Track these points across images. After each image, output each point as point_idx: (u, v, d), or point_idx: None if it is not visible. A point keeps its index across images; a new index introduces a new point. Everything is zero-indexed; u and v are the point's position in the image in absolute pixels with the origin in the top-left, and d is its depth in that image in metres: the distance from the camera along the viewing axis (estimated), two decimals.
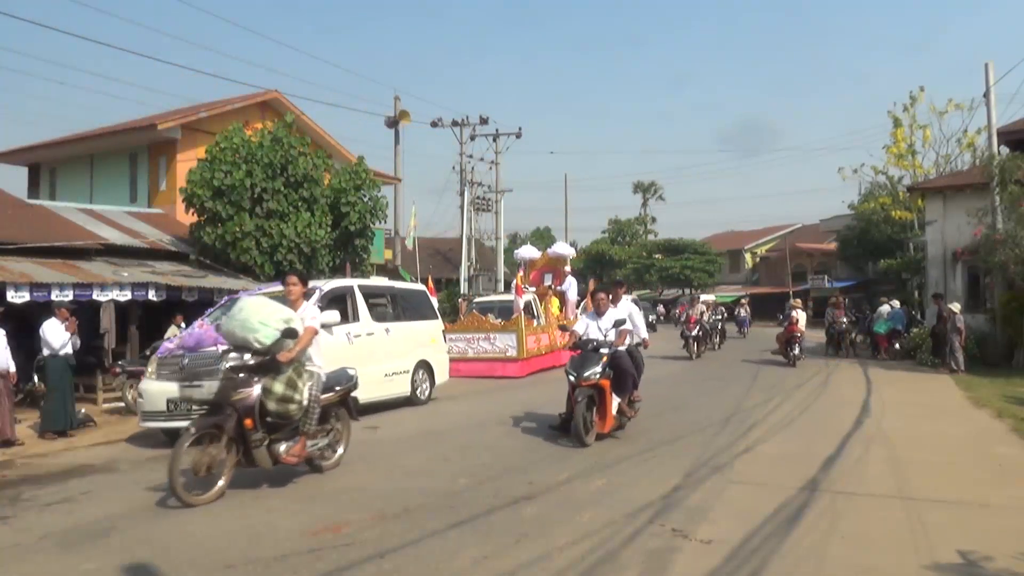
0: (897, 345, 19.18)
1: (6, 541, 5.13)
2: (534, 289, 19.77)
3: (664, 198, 68.89)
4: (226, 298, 11.09)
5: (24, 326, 11.31)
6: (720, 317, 25.53)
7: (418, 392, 11.97)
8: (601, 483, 6.41)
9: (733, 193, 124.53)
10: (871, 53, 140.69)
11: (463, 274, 31.41)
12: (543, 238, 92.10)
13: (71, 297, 11.28)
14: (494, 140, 34.02)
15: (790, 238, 53.99)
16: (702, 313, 21.74)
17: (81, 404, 11.65)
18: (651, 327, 32.24)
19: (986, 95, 17.99)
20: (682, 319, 22.78)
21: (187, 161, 18.64)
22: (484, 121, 32.14)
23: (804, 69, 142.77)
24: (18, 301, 10.73)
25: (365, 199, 17.76)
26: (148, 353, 12.73)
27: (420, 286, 13.61)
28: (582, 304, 25.67)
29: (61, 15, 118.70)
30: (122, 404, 11.96)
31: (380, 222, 19.31)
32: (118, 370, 12.13)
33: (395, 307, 12.10)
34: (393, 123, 27.34)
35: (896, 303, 20.63)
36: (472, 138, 32.41)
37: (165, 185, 20.26)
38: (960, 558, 4.42)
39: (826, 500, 5.76)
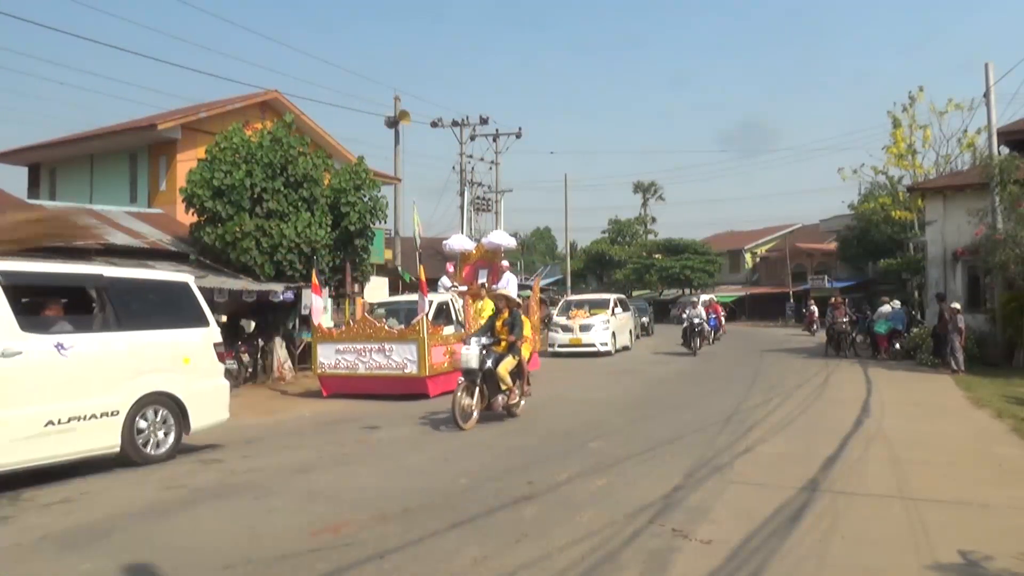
0: (897, 345, 19.18)
1: (6, 541, 5.13)
2: (465, 288, 16.15)
3: (664, 198, 69.12)
4: None
5: None
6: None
7: (146, 444, 7.62)
8: (601, 483, 6.41)
9: (733, 193, 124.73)
10: (871, 53, 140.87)
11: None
12: (543, 238, 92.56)
13: None
14: (494, 140, 34.06)
15: (790, 238, 54.02)
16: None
17: None
18: (646, 329, 32.12)
19: (986, 95, 17.99)
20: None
21: (187, 161, 18.64)
22: (484, 121, 32.16)
23: (804, 69, 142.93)
24: None
25: (365, 199, 17.76)
26: None
27: (178, 276, 9.15)
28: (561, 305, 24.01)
29: (61, 15, 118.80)
30: None
31: (380, 222, 19.30)
32: None
33: (103, 308, 7.62)
34: (393, 123, 27.34)
35: (896, 303, 20.63)
36: (472, 138, 32.43)
37: (165, 185, 20.26)
38: (961, 558, 4.41)
39: (826, 500, 5.76)
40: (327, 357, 13.26)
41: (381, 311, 15.46)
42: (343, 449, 8.44)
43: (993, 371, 15.51)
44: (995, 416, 9.98)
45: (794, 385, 13.71)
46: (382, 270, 25.04)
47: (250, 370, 15.52)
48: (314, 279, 13.56)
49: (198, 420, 8.24)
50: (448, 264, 17.36)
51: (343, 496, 6.16)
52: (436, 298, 15.20)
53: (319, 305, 13.56)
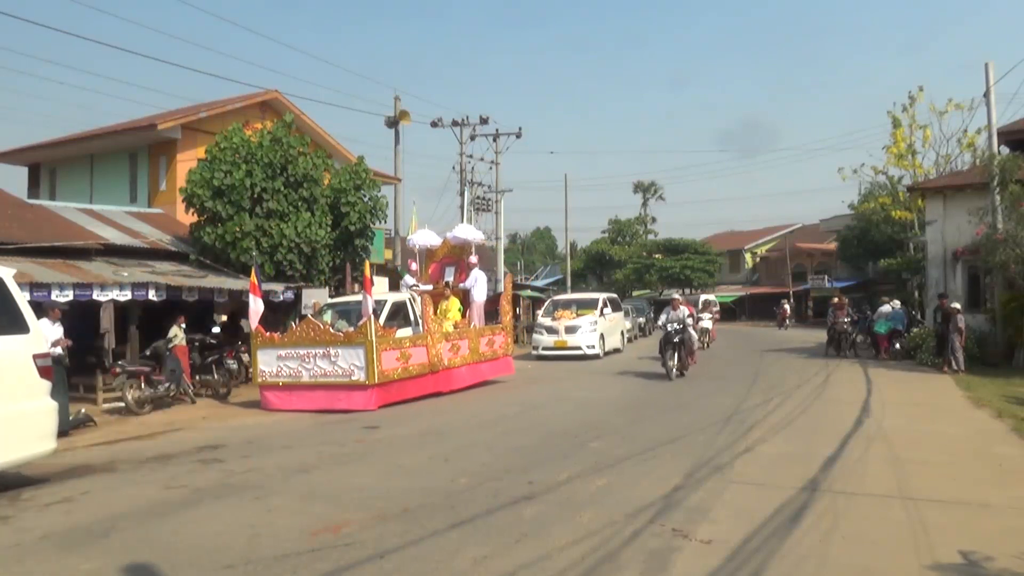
0: (897, 345, 19.18)
1: (6, 541, 5.13)
2: (429, 287, 15.15)
3: (664, 198, 69.04)
4: None
5: None
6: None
7: None
8: (601, 483, 6.41)
9: (733, 193, 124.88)
10: (871, 53, 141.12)
11: None
12: (543, 238, 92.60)
13: (71, 297, 11.27)
14: (494, 140, 33.99)
15: (790, 238, 54.00)
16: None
17: (81, 404, 11.67)
18: (643, 331, 31.85)
19: (986, 95, 17.98)
20: None
21: (187, 161, 18.67)
22: (484, 121, 32.11)
23: (804, 69, 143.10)
24: None
25: (365, 199, 17.77)
26: (148, 353, 12.75)
27: None
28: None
29: (61, 15, 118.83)
30: (122, 404, 11.97)
31: (380, 222, 19.31)
32: (118, 370, 12.14)
33: None
34: (393, 123, 27.32)
35: (896, 303, 20.62)
36: (472, 138, 32.37)
37: (165, 185, 20.28)
38: (961, 558, 4.41)
39: (826, 500, 5.76)
40: (268, 365, 11.96)
41: (330, 311, 14.10)
42: (343, 449, 8.44)
43: (993, 371, 15.50)
44: (995, 416, 9.98)
45: (794, 385, 13.70)
46: (382, 270, 25.04)
47: (250, 370, 15.51)
48: (252, 278, 12.32)
49: (4, 453, 6.17)
50: (410, 261, 16.22)
51: (343, 496, 6.16)
52: (391, 297, 14.15)
53: (257, 308, 12.29)
